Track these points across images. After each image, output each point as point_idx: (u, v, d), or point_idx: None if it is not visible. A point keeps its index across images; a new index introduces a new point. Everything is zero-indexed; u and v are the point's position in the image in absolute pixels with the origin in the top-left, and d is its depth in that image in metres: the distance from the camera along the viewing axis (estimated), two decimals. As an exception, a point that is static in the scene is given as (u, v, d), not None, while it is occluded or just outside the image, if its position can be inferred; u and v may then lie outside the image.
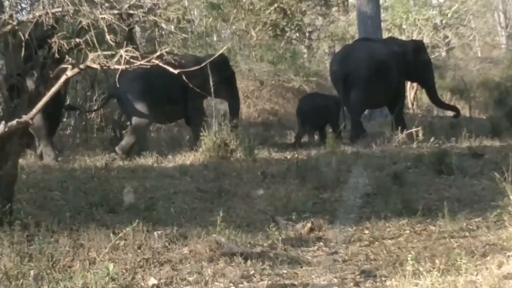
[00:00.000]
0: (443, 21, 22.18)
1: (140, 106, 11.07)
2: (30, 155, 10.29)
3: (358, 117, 12.62)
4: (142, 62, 6.97)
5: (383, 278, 5.04)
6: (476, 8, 24.79)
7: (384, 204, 7.35)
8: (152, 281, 5.00)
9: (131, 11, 10.35)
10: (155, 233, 5.97)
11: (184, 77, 7.73)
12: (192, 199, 7.78)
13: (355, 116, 12.46)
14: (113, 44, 8.57)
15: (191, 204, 7.59)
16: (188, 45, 16.44)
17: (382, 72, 12.47)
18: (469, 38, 25.04)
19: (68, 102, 13.43)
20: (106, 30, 8.32)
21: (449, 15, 22.27)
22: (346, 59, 12.69)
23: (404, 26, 21.15)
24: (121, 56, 6.93)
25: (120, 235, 5.60)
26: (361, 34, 16.00)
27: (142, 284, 4.96)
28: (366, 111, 14.60)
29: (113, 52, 8.46)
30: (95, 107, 13.23)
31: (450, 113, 14.31)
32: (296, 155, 9.90)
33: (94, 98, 13.81)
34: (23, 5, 8.20)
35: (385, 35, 19.21)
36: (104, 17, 7.45)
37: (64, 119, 13.54)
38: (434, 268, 4.86)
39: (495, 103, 15.78)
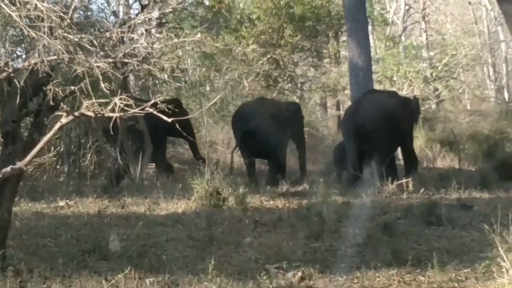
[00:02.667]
0: (433, 74, 22.38)
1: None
2: (23, 201, 10.30)
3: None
4: (136, 110, 7.04)
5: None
6: (465, 61, 25.04)
7: (374, 254, 7.39)
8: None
9: (126, 60, 10.47)
10: (147, 280, 5.99)
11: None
12: (184, 247, 7.80)
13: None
14: (107, 92, 8.66)
15: (183, 252, 7.62)
16: (182, 94, 16.55)
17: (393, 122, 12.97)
18: (459, 91, 25.28)
19: (62, 149, 13.51)
20: (100, 78, 8.42)
21: (439, 68, 22.50)
22: (358, 111, 13.23)
23: (395, 78, 21.35)
24: (115, 104, 6.99)
25: (112, 282, 5.62)
26: (353, 86, 16.14)
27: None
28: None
29: (107, 100, 8.55)
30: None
31: (439, 165, 14.45)
32: (287, 204, 9.95)
33: (88, 146, 13.87)
34: (18, 53, 8.30)
35: (376, 87, 19.42)
36: (99, 65, 7.54)
37: (58, 166, 13.60)
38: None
39: (484, 155, 15.89)
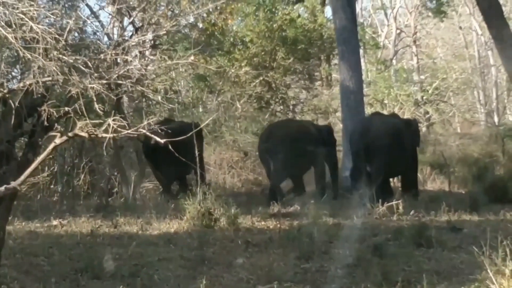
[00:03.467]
0: (424, 97, 22.55)
1: None
2: (16, 220, 10.34)
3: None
4: (129, 131, 7.11)
5: None
6: (456, 85, 25.23)
7: (364, 275, 7.43)
8: None
9: (120, 81, 10.55)
10: (139, 299, 6.04)
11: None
12: (175, 267, 7.85)
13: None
14: (101, 113, 8.74)
15: (175, 271, 7.66)
16: (175, 115, 16.63)
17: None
18: (449, 115, 25.46)
19: (55, 169, 13.57)
20: (94, 99, 8.49)
21: (430, 92, 22.67)
22: (367, 130, 13.57)
23: (386, 101, 21.49)
24: (108, 125, 7.06)
25: (104, 300, 5.66)
26: (344, 109, 16.27)
27: None
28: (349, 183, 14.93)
29: (101, 121, 8.62)
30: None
31: (429, 187, 14.57)
32: (278, 225, 10.02)
33: (82, 166, 13.93)
34: (14, 74, 8.37)
35: (367, 109, 19.55)
36: (93, 87, 7.62)
37: (52, 186, 13.66)
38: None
39: (473, 178, 15.98)
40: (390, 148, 13.17)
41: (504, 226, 9.76)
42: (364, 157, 13.26)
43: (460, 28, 40.84)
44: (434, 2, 30.22)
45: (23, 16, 6.69)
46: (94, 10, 13.31)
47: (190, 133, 8.11)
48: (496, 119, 32.82)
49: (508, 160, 18.88)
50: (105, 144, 9.20)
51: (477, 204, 11.89)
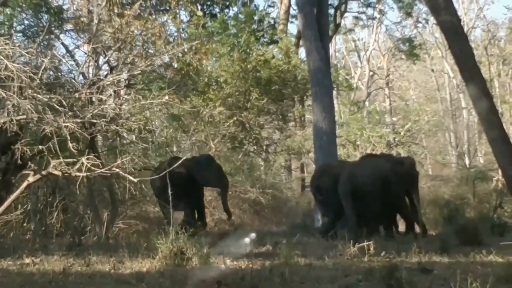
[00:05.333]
0: (396, 139, 22.78)
1: None
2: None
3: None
4: (103, 171, 7.16)
5: None
6: (428, 127, 25.53)
7: (335, 315, 7.49)
8: None
9: (94, 120, 10.62)
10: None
11: None
12: (147, 306, 7.85)
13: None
14: (75, 151, 8.77)
15: (146, 310, 7.66)
16: (149, 155, 16.66)
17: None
18: (420, 156, 25.70)
19: (29, 207, 13.52)
20: (68, 137, 8.53)
21: (402, 133, 22.93)
22: (355, 174, 13.84)
23: (358, 143, 21.68)
24: (82, 163, 7.11)
25: None
26: (317, 149, 16.38)
27: None
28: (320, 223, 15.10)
29: (75, 160, 8.64)
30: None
31: (401, 228, 14.72)
32: (250, 265, 10.03)
33: (55, 204, 13.89)
34: (-13, 112, 8.40)
35: (340, 150, 19.74)
36: (67, 125, 7.67)
37: (25, 224, 13.59)
38: None
39: (444, 220, 16.12)
40: (375, 192, 13.57)
41: (474, 268, 9.81)
42: (352, 199, 13.58)
43: (433, 70, 41.47)
44: (407, 44, 30.73)
45: (-1, 55, 6.76)
46: (70, 49, 13.44)
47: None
48: (467, 161, 33.17)
49: (478, 203, 19.10)
50: (78, 183, 9.23)
51: (447, 245, 11.96)
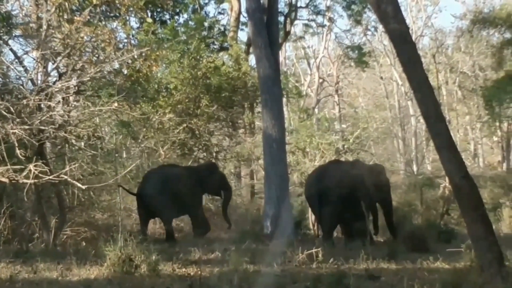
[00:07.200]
0: (345, 146, 22.94)
1: None
2: None
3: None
4: (51, 177, 7.13)
5: None
6: (376, 134, 25.83)
7: (283, 322, 7.54)
8: None
9: (42, 127, 10.55)
10: None
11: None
12: (95, 314, 7.83)
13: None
14: (23, 158, 8.71)
15: (93, 318, 7.64)
16: (98, 162, 16.57)
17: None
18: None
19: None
20: (16, 144, 8.47)
21: (351, 141, 23.12)
22: (321, 178, 14.53)
23: (307, 150, 21.81)
24: (30, 170, 7.06)
25: None
26: (266, 156, 16.45)
27: None
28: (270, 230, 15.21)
29: (23, 167, 8.58)
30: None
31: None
32: (199, 272, 10.05)
33: (2, 211, 13.73)
34: None
35: (290, 157, 19.85)
36: (15, 132, 7.62)
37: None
38: None
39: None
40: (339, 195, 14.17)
41: (421, 274, 9.96)
42: (319, 204, 14.29)
43: (381, 78, 41.95)
44: (356, 52, 31.03)
45: None
46: (19, 55, 13.30)
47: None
48: (415, 168, 33.61)
49: (426, 209, 19.37)
50: (26, 189, 9.16)
51: (395, 252, 12.11)
